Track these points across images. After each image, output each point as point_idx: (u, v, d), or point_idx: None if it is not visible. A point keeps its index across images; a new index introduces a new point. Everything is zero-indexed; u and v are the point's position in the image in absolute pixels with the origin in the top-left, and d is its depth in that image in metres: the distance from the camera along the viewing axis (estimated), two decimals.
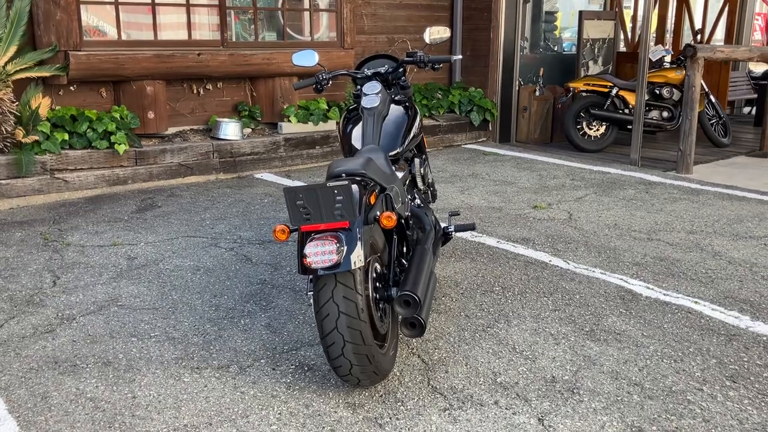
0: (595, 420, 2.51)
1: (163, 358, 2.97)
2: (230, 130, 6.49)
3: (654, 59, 7.85)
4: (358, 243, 2.43)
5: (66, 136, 5.63)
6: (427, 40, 3.78)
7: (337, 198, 2.40)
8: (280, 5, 7.01)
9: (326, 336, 2.47)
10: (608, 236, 4.64)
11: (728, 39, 10.94)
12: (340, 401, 2.63)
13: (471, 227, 3.60)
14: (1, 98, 5.32)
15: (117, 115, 5.92)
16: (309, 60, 3.71)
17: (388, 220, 2.54)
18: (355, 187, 2.57)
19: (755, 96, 10.31)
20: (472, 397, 2.66)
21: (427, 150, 5.10)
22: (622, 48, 10.68)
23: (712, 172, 6.76)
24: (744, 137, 8.81)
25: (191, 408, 2.58)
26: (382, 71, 3.64)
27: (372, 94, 3.42)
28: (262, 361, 2.94)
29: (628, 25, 11.28)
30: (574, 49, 9.36)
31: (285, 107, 6.89)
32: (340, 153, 7.02)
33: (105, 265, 4.07)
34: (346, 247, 2.41)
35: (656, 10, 11.06)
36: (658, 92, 7.69)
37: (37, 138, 5.45)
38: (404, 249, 3.10)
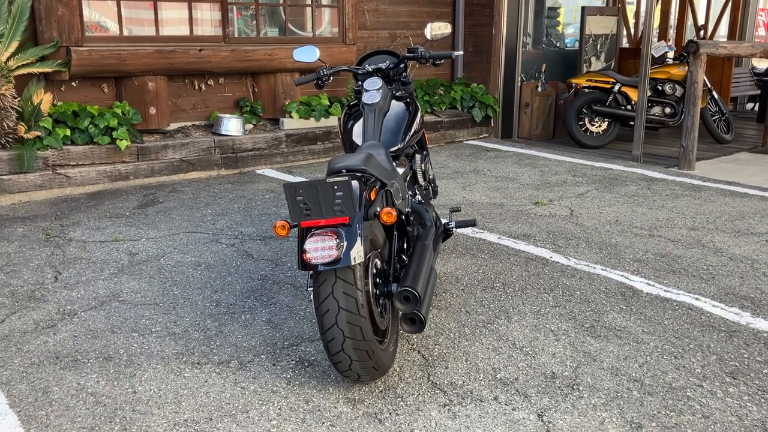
0: (595, 416, 2.51)
1: (164, 353, 2.97)
2: (232, 125, 6.49)
3: (657, 55, 7.84)
4: (358, 239, 2.43)
5: (68, 132, 5.63)
6: (428, 36, 3.77)
7: (337, 194, 2.40)
8: (282, 1, 7.00)
9: (326, 331, 2.47)
10: (609, 232, 4.64)
11: (731, 35, 10.90)
12: (340, 397, 2.64)
13: (472, 223, 3.60)
14: (3, 94, 5.33)
15: (119, 111, 5.92)
16: (310, 56, 3.70)
17: (388, 216, 2.54)
18: (355, 183, 2.57)
19: (758, 92, 10.29)
20: (471, 393, 2.66)
21: (429, 146, 5.13)
22: (624, 44, 10.66)
23: (715, 168, 6.74)
24: (747, 133, 8.79)
25: (192, 403, 2.59)
26: (383, 67, 3.63)
27: (373, 90, 3.41)
28: (262, 356, 2.95)
29: (631, 20, 11.25)
30: (576, 45, 9.33)
31: (287, 103, 6.89)
32: (341, 149, 7.01)
33: (106, 261, 4.08)
34: (345, 243, 2.41)
35: (659, 6, 11.03)
36: (660, 88, 7.67)
37: (39, 133, 5.45)
38: (405, 245, 3.11)
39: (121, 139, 5.75)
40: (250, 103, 6.93)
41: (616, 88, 7.65)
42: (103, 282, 3.76)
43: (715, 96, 7.93)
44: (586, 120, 7.78)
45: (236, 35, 6.76)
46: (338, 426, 2.45)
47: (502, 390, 2.68)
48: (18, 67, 5.48)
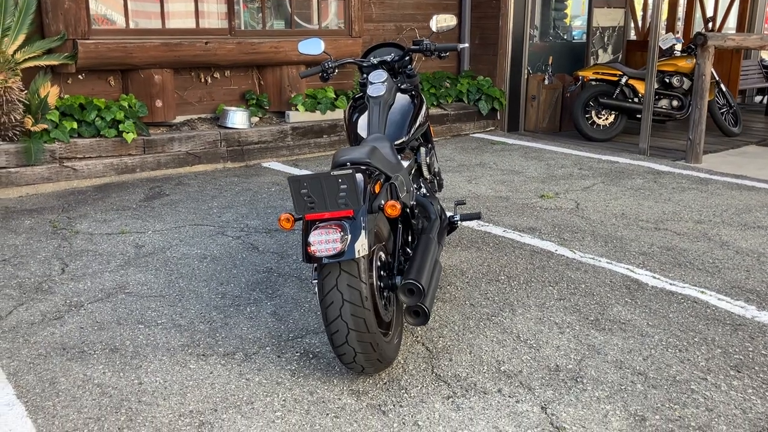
0: (599, 408, 2.52)
1: (170, 345, 2.99)
2: (238, 118, 6.50)
3: (664, 47, 7.80)
4: (362, 232, 2.44)
5: (75, 125, 5.65)
6: (434, 29, 3.76)
7: (341, 187, 2.41)
8: None
9: (330, 323, 2.48)
10: (615, 226, 4.63)
11: (740, 27, 10.83)
12: (345, 388, 2.65)
13: (477, 216, 3.60)
14: (10, 87, 5.35)
15: (125, 104, 5.94)
16: (315, 48, 3.70)
17: (393, 209, 2.54)
18: (359, 175, 2.58)
19: (767, 85, 10.22)
20: (475, 385, 2.67)
21: (435, 139, 5.13)
22: (632, 36, 10.60)
23: (722, 161, 6.71)
24: (755, 126, 8.74)
25: (197, 394, 2.61)
26: (389, 59, 3.63)
27: (378, 83, 3.41)
28: (267, 348, 2.96)
29: (639, 13, 11.19)
30: (584, 37, 9.29)
31: (293, 96, 6.89)
32: (347, 142, 7.02)
33: (113, 253, 4.10)
34: (350, 236, 2.41)
35: None
36: (668, 81, 7.63)
37: (46, 126, 5.48)
38: (409, 238, 3.11)
39: (128, 132, 5.77)
40: (256, 96, 6.93)
41: (623, 80, 7.61)
42: (110, 274, 3.78)
43: (723, 88, 7.89)
44: (593, 113, 7.76)
45: (242, 28, 6.76)
46: (342, 417, 2.47)
47: (506, 382, 2.69)
48: (25, 60, 5.50)
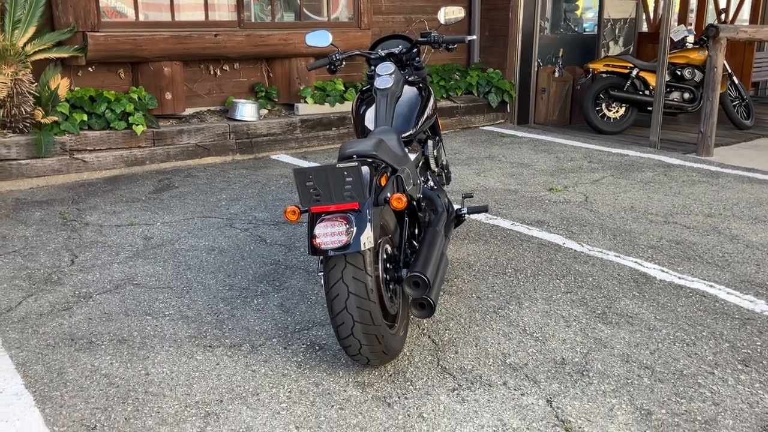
0: (604, 402, 2.51)
1: (177, 336, 3.01)
2: (247, 111, 6.51)
3: (676, 39, 7.73)
4: (368, 224, 2.43)
5: (85, 117, 5.68)
6: (442, 21, 3.75)
7: (347, 179, 2.41)
8: None
9: (336, 316, 2.49)
10: (624, 219, 4.61)
11: (753, 19, 10.72)
12: (350, 380, 2.65)
13: (484, 209, 3.59)
14: (21, 79, 5.38)
15: (135, 96, 5.96)
16: (322, 40, 3.70)
17: (398, 201, 2.54)
18: (365, 168, 2.57)
19: None
20: (481, 378, 2.67)
21: (445, 132, 5.10)
22: (643, 28, 10.52)
23: (734, 154, 6.66)
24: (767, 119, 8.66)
25: (203, 385, 2.62)
26: (396, 51, 3.61)
27: (385, 75, 3.40)
28: (273, 340, 2.98)
29: (650, 4, 11.09)
30: (595, 29, 9.23)
31: (302, 88, 6.89)
32: (355, 134, 7.01)
33: (122, 245, 4.12)
34: (355, 229, 2.41)
35: None
36: (679, 73, 7.57)
37: (56, 118, 5.50)
38: (416, 231, 3.11)
39: (137, 124, 5.79)
40: (265, 89, 6.94)
41: (634, 73, 7.56)
42: (118, 265, 3.80)
43: (735, 81, 7.82)
44: (604, 105, 7.71)
45: (251, 20, 6.76)
46: (347, 409, 2.47)
47: (512, 375, 2.69)
48: (35, 53, 5.53)
